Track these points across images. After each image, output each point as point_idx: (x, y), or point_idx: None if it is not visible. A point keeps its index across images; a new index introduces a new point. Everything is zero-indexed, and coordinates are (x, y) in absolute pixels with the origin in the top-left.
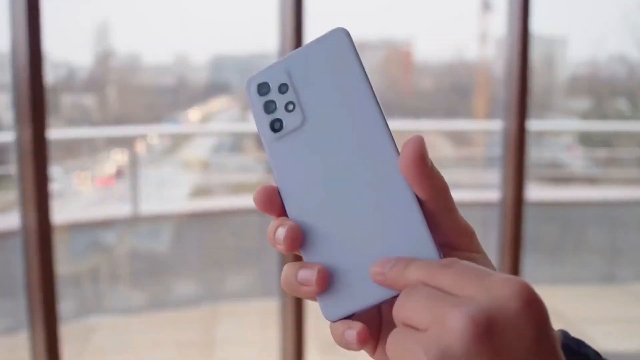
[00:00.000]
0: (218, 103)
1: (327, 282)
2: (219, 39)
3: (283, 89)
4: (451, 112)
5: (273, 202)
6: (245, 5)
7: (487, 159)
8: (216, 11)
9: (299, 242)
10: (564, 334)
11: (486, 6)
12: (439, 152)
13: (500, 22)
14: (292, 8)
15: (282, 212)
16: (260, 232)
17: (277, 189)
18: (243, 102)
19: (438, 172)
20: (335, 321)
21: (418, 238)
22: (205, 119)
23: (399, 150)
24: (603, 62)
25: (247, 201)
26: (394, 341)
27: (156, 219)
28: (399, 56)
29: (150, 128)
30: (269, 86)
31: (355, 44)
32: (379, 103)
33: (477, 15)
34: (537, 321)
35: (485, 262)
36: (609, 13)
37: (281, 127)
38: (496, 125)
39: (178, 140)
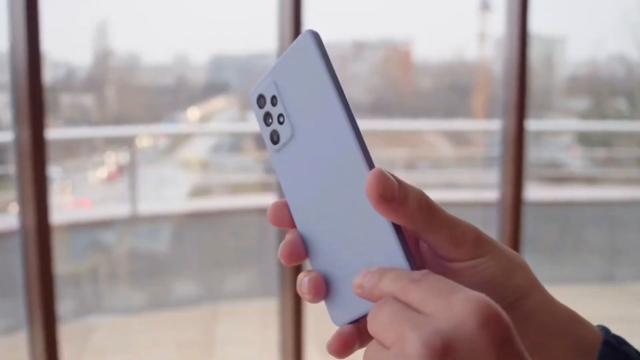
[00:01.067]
0: (217, 103)
1: (320, 291)
2: (218, 39)
3: (274, 101)
4: (450, 112)
5: (282, 217)
6: (245, 5)
7: (486, 158)
8: (215, 11)
9: (297, 255)
10: (605, 330)
11: (485, 6)
12: (439, 152)
13: (499, 22)
14: (291, 8)
15: (293, 224)
16: (260, 232)
17: (286, 201)
18: (242, 102)
19: (413, 194)
20: (340, 326)
21: (392, 252)
22: (205, 118)
23: (371, 165)
24: (602, 62)
25: (246, 201)
26: (367, 356)
27: (155, 219)
28: (399, 56)
29: (149, 128)
30: (265, 98)
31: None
32: (349, 108)
33: (477, 15)
34: (497, 339)
35: (495, 264)
36: (608, 13)
37: (278, 139)
38: (495, 125)
39: (177, 140)
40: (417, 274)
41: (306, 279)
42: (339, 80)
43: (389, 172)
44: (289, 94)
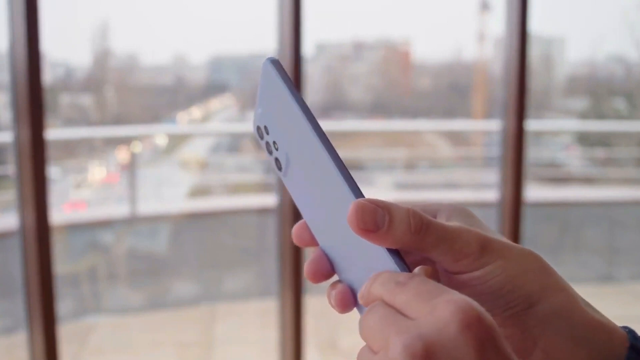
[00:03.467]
0: (216, 103)
1: (347, 302)
2: (217, 39)
3: (267, 130)
4: (449, 112)
5: (304, 236)
6: (244, 5)
7: (485, 158)
8: (215, 11)
9: (322, 272)
10: (632, 334)
11: (484, 6)
12: (438, 152)
13: (498, 22)
14: (290, 8)
15: (316, 242)
16: (259, 232)
17: (306, 222)
18: (241, 102)
19: (399, 219)
20: None
21: (383, 258)
22: (204, 119)
23: (348, 182)
24: (601, 62)
25: (245, 201)
26: None
27: (154, 219)
28: (398, 56)
29: (148, 128)
30: (261, 129)
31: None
32: (321, 130)
33: (476, 15)
34: (479, 342)
35: (502, 272)
36: (607, 13)
37: (280, 165)
38: (494, 125)
39: (176, 140)
40: (403, 276)
41: (334, 292)
42: (305, 101)
43: (372, 200)
44: (272, 121)
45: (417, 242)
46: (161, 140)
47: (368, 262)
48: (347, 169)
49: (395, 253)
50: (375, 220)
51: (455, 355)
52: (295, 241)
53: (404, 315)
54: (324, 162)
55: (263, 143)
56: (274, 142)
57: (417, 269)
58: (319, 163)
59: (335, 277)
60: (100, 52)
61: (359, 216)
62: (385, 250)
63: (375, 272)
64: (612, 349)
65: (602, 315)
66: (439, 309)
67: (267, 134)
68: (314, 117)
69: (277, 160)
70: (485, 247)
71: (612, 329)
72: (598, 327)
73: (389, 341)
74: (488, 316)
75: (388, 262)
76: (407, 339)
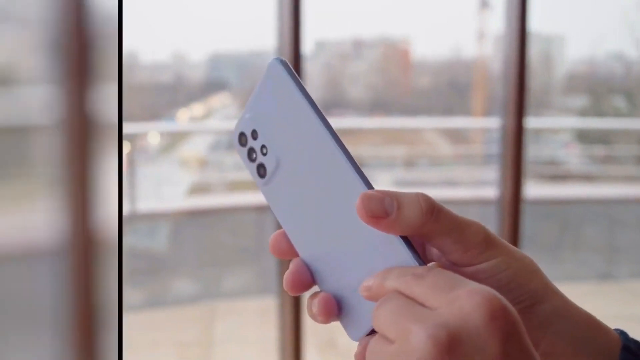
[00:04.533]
0: (216, 101)
1: (331, 310)
2: (216, 36)
3: (254, 135)
4: (449, 110)
5: (282, 247)
6: (243, 3)
7: (485, 156)
8: (214, 9)
9: (302, 282)
10: (624, 336)
11: (484, 4)
12: (437, 149)
13: (498, 20)
14: (290, 6)
15: (295, 253)
16: (258, 230)
17: (284, 231)
18: (241, 100)
19: (409, 204)
20: (358, 341)
21: (397, 253)
22: (203, 116)
23: (362, 177)
24: (601, 60)
25: (244, 199)
26: (370, 350)
27: (154, 217)
28: (397, 54)
29: (148, 126)
30: (246, 136)
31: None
32: (332, 129)
33: (475, 13)
34: (503, 334)
35: (508, 267)
36: (607, 11)
37: (265, 171)
38: (494, 122)
39: (176, 138)
40: (421, 268)
41: (315, 301)
42: (315, 102)
43: (380, 190)
44: (268, 124)
45: (429, 226)
46: (161, 139)
47: (372, 263)
48: (360, 168)
49: (409, 245)
50: (383, 206)
51: (480, 345)
52: (272, 252)
53: (423, 305)
54: (336, 161)
55: (245, 150)
56: (262, 147)
57: (430, 264)
58: (327, 162)
59: (315, 288)
60: None
61: (366, 204)
62: (401, 241)
63: (383, 267)
64: (610, 348)
65: (596, 317)
66: (462, 299)
67: (255, 139)
68: (324, 117)
69: (261, 166)
70: (488, 241)
71: (606, 329)
72: (597, 327)
73: (409, 330)
74: (512, 308)
75: (401, 255)
76: (431, 327)
